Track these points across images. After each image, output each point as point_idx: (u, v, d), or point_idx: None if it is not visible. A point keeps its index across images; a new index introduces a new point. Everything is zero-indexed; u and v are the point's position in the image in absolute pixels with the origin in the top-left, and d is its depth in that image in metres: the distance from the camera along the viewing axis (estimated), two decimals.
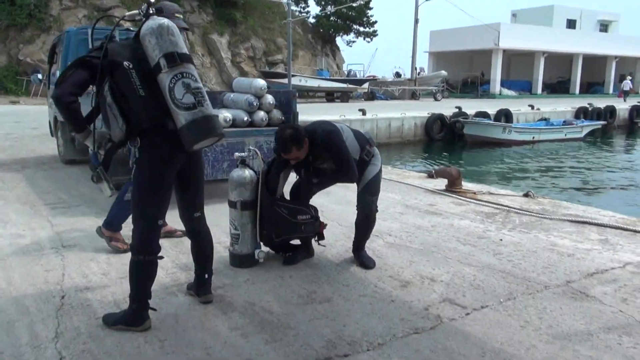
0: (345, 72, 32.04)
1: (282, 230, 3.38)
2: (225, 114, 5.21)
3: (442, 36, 39.69)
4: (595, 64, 41.47)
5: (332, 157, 3.31)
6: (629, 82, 37.77)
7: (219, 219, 4.45)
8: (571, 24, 41.92)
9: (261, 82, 5.37)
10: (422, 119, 18.23)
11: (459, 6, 36.42)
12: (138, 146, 2.44)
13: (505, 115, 20.65)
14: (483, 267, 3.44)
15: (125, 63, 2.36)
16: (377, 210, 3.52)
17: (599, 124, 21.36)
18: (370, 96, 29.42)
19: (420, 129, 18.28)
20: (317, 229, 3.45)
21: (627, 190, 11.98)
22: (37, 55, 22.47)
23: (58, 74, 6.63)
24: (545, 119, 21.16)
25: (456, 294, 3.00)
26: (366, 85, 29.37)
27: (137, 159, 2.46)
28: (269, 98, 5.40)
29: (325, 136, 3.27)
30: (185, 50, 2.41)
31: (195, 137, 2.35)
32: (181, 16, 3.85)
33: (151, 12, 2.47)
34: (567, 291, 3.04)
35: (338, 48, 35.77)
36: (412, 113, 18.44)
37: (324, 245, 3.64)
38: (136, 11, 2.56)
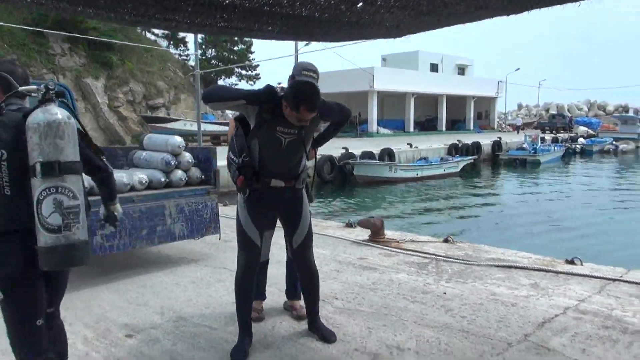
0: (230, 115, 31.81)
1: None
2: (140, 175, 4.77)
3: (321, 79, 40.94)
4: (457, 103, 45.58)
5: (322, 113, 2.98)
6: (520, 119, 47.86)
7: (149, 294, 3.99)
8: (434, 67, 45.80)
9: (178, 140, 5.01)
10: (311, 161, 18.48)
11: (336, 52, 38.01)
12: None
13: (388, 154, 21.77)
14: (442, 327, 3.39)
15: None
16: None
17: (470, 159, 23.44)
18: None
19: (310, 170, 18.47)
20: (234, 177, 3.03)
21: (516, 224, 12.87)
22: None
23: None
24: (424, 158, 22.70)
25: None
26: None
27: None
28: (187, 156, 5.05)
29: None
30: (74, 156, 2.03)
31: (51, 265, 2.00)
32: (313, 74, 3.41)
33: (49, 96, 2.05)
34: (530, 347, 3.09)
35: None
36: None
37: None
38: (34, 87, 2.14)
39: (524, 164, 27.10)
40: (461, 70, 49.07)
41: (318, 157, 17.16)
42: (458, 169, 21.90)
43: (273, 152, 2.96)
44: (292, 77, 3.43)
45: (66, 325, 3.46)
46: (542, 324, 3.43)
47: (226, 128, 27.39)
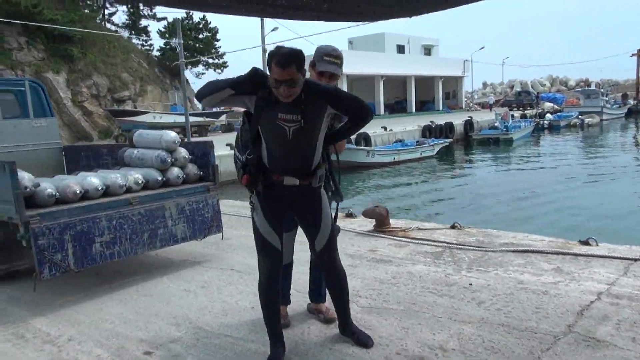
0: (200, 106, 31.09)
1: None
2: (135, 175, 4.45)
3: None
4: (425, 84, 45.85)
5: (328, 98, 2.64)
6: (492, 97, 50.48)
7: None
8: (400, 49, 45.81)
9: (173, 135, 4.69)
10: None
11: (303, 36, 37.52)
12: None
13: (364, 139, 21.64)
14: (480, 323, 3.23)
15: None
16: None
17: (446, 142, 23.55)
18: (229, 128, 28.85)
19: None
20: (239, 176, 2.77)
21: (510, 205, 12.79)
22: None
23: None
24: (400, 140, 22.68)
25: None
26: (223, 117, 28.74)
27: None
28: (183, 152, 4.74)
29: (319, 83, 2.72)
30: None
31: None
32: (335, 60, 3.05)
33: None
34: (578, 339, 2.95)
35: (188, 81, 34.65)
36: None
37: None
38: None
39: (497, 143, 27.41)
40: (427, 50, 49.26)
41: None
42: (434, 152, 22.02)
43: (280, 145, 2.67)
44: (312, 64, 3.15)
45: (75, 345, 3.20)
46: (580, 312, 3.30)
47: (198, 119, 26.78)
